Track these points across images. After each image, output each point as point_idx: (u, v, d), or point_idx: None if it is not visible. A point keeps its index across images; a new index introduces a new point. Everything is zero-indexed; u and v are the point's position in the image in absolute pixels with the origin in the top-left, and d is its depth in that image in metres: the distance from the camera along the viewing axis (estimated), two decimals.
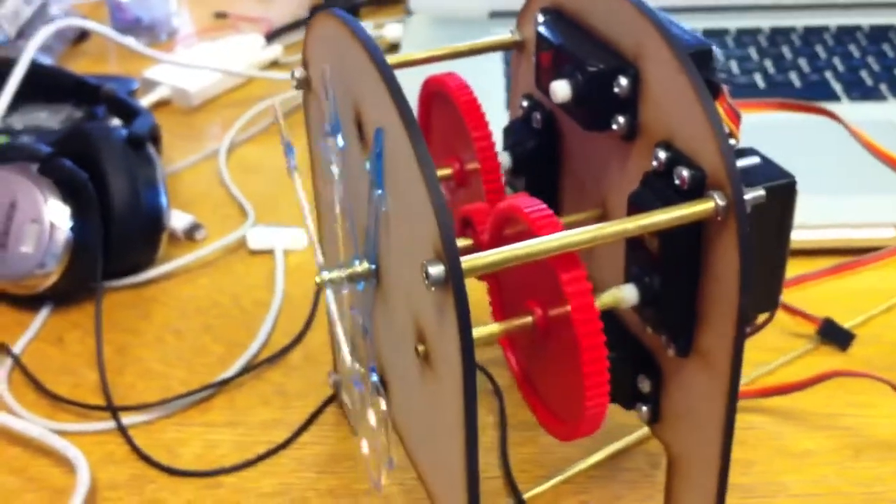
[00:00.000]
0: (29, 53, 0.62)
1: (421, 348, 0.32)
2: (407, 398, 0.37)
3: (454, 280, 0.28)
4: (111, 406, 0.48)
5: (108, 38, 0.71)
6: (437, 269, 0.28)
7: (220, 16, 0.93)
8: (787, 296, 0.52)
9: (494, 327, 0.34)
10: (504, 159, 0.42)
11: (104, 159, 0.55)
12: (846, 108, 0.68)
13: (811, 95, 0.70)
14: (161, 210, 0.57)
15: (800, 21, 0.80)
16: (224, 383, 0.50)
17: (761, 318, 0.38)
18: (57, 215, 0.54)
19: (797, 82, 0.71)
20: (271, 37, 0.85)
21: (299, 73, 0.40)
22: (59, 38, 0.84)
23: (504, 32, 0.42)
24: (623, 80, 0.35)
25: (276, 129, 0.74)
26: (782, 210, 0.34)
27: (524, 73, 0.43)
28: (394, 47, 0.83)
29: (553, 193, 0.43)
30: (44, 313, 0.55)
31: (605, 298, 0.35)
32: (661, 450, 0.45)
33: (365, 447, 0.38)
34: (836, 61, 0.74)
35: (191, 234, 0.61)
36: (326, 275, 0.36)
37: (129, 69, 0.82)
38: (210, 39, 0.86)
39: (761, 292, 0.35)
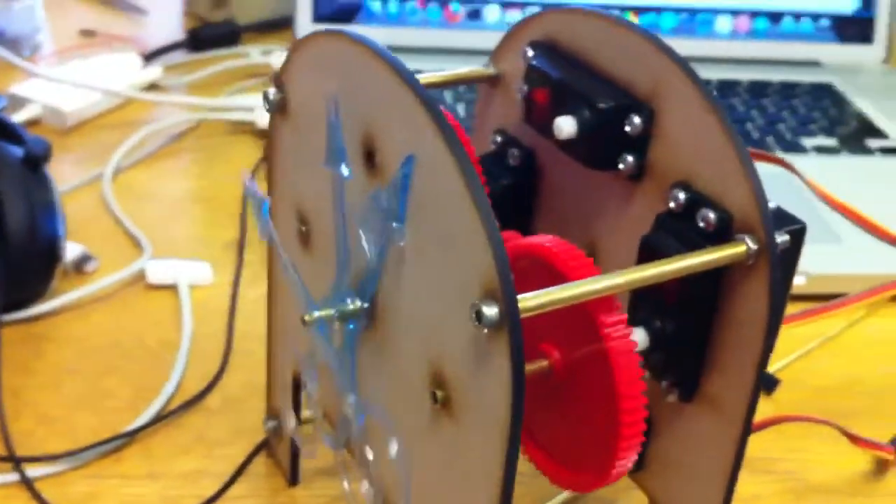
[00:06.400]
0: None
1: (440, 394, 0.30)
2: (398, 445, 0.34)
3: (511, 322, 0.26)
4: (13, 456, 0.43)
5: None
6: (491, 310, 0.26)
7: (87, 33, 0.87)
8: None
9: None
10: None
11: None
12: None
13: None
14: (58, 238, 0.52)
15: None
16: (138, 431, 0.45)
17: None
18: None
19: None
20: (149, 57, 0.80)
21: (274, 95, 0.37)
22: None
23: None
24: (636, 119, 0.34)
25: (162, 155, 0.70)
26: (794, 255, 0.33)
27: (497, 107, 0.41)
28: None
29: (526, 232, 0.41)
30: None
31: None
32: (612, 496, 0.44)
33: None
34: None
35: (80, 265, 0.56)
36: (316, 313, 0.33)
37: None
38: (79, 57, 0.80)
39: None
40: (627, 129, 0.34)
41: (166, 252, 0.58)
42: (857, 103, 0.80)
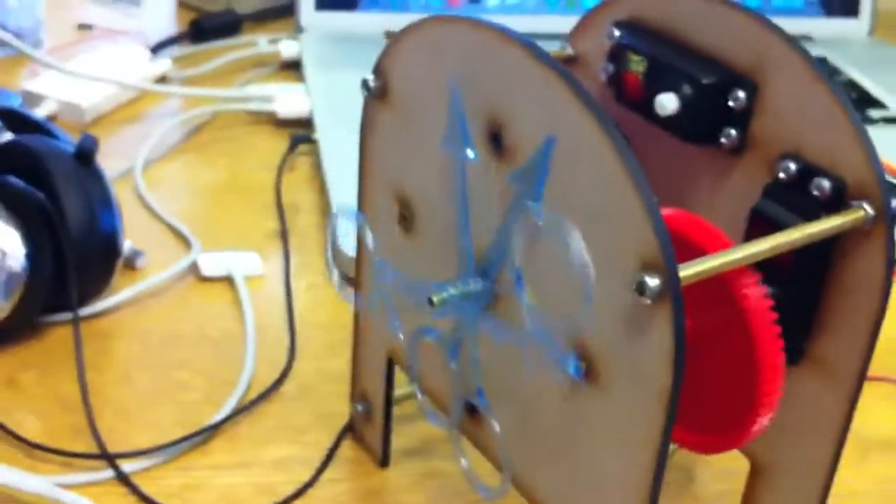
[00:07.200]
0: None
1: (582, 366, 0.31)
2: (523, 419, 0.35)
3: (673, 292, 0.27)
4: (107, 453, 0.43)
5: None
6: (654, 282, 0.27)
7: (85, 27, 0.86)
8: None
9: None
10: None
11: (55, 177, 0.49)
12: None
13: None
14: (116, 232, 0.52)
15: None
16: (224, 421, 0.46)
17: None
18: (8, 242, 0.47)
19: None
20: (154, 50, 0.79)
21: (374, 81, 0.37)
22: None
23: None
24: (740, 93, 0.35)
25: (185, 147, 0.70)
26: None
27: None
28: (292, 64, 0.80)
29: None
30: None
31: None
32: (693, 461, 0.45)
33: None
34: None
35: (130, 261, 0.56)
36: (444, 294, 0.34)
37: None
38: (81, 52, 0.79)
39: None
40: (732, 103, 0.35)
41: (209, 244, 0.58)
42: (851, 75, 0.82)
